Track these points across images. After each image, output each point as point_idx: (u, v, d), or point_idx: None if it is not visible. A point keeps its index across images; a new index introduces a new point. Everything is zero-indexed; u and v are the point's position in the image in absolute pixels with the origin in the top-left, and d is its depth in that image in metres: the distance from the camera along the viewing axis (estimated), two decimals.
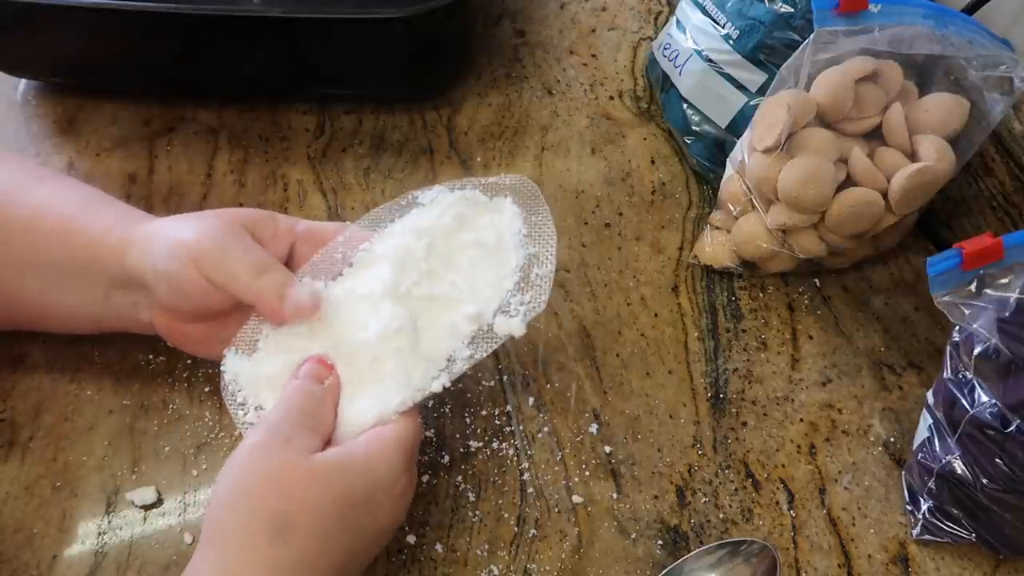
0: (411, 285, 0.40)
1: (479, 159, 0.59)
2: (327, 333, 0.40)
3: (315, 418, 0.37)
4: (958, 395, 0.40)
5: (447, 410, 0.47)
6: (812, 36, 0.45)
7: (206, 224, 0.40)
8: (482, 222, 0.43)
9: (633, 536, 0.43)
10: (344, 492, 0.34)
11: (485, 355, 0.39)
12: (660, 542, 0.43)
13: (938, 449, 0.42)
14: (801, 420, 0.48)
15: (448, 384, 0.39)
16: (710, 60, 0.55)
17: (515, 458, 0.45)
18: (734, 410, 0.48)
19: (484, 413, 0.47)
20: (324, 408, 0.37)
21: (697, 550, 0.42)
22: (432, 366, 0.39)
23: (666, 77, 0.60)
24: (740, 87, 0.54)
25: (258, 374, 0.40)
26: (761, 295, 0.54)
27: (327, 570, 0.34)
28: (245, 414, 0.39)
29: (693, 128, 0.58)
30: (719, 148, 0.57)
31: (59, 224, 0.41)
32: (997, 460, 0.38)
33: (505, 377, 0.48)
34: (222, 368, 0.40)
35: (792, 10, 0.51)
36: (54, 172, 0.47)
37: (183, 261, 0.39)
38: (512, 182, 0.44)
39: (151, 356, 0.47)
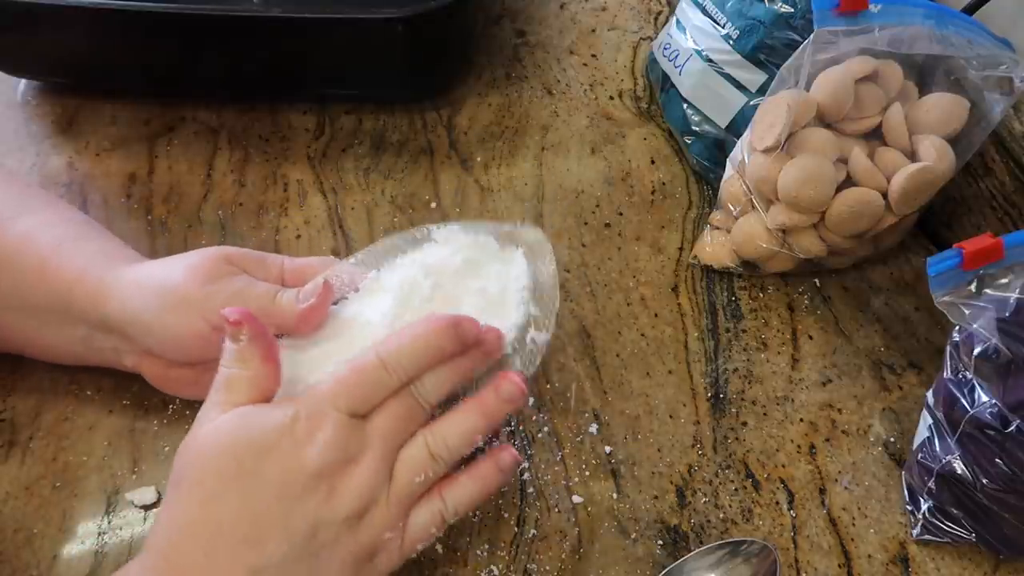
0: (410, 320, 0.39)
1: (479, 159, 0.59)
2: (326, 350, 0.39)
3: (234, 377, 0.35)
4: (958, 395, 0.40)
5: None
6: (812, 36, 0.45)
7: (195, 268, 0.39)
8: (490, 271, 0.42)
9: (633, 536, 0.43)
10: (238, 436, 0.33)
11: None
12: (660, 542, 0.43)
13: (938, 449, 0.42)
14: (801, 420, 0.48)
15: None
16: (710, 60, 0.55)
17: None
18: (734, 410, 0.48)
19: None
20: (247, 355, 0.35)
21: (697, 550, 0.42)
22: None
23: (666, 77, 0.60)
24: (740, 87, 0.54)
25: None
26: (761, 295, 0.54)
27: (228, 522, 0.32)
28: None
29: (693, 128, 0.58)
30: (719, 148, 0.57)
31: (36, 263, 0.40)
32: (997, 460, 0.38)
33: None
34: None
35: (792, 10, 0.51)
36: (39, 197, 0.45)
37: (181, 311, 0.38)
38: (527, 235, 0.43)
39: None
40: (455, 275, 0.41)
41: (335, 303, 0.41)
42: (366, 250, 0.43)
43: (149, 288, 0.39)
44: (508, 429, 0.46)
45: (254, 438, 0.32)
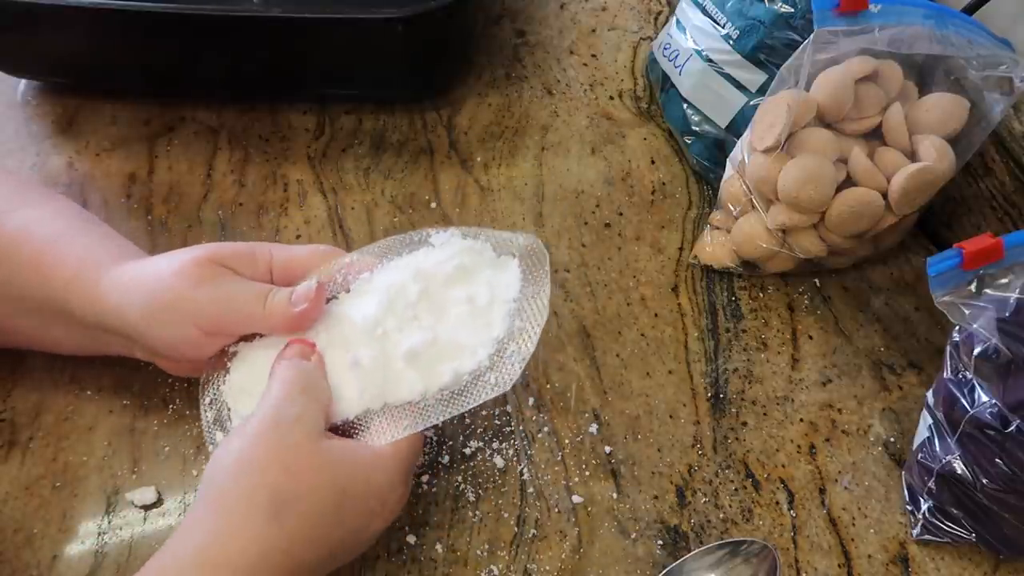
0: (392, 328, 0.40)
1: (479, 159, 0.59)
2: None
3: (315, 388, 0.38)
4: (958, 395, 0.40)
5: None
6: (812, 36, 0.45)
7: (183, 273, 0.38)
8: (481, 278, 0.41)
9: (633, 536, 0.43)
10: (345, 483, 0.35)
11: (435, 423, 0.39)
12: (660, 542, 0.43)
13: (938, 449, 0.42)
14: (801, 420, 0.48)
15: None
16: (710, 60, 0.55)
17: (515, 458, 0.45)
18: (734, 410, 0.48)
19: (484, 413, 0.47)
20: (318, 379, 0.38)
21: (697, 550, 0.42)
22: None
23: (666, 77, 0.60)
24: (740, 87, 0.54)
25: (241, 387, 0.40)
26: (761, 295, 0.54)
27: (311, 559, 0.34)
28: (221, 430, 0.40)
29: (693, 128, 0.58)
30: (719, 148, 0.57)
31: (33, 258, 0.40)
32: (997, 460, 0.38)
33: None
34: (203, 393, 0.41)
35: (792, 10, 0.51)
36: (38, 192, 0.45)
37: (171, 319, 0.38)
38: (524, 242, 0.42)
39: None
40: (444, 282, 0.41)
41: (326, 301, 0.41)
42: (362, 250, 0.43)
43: (140, 292, 0.39)
44: (508, 429, 0.46)
45: (354, 491, 0.35)
